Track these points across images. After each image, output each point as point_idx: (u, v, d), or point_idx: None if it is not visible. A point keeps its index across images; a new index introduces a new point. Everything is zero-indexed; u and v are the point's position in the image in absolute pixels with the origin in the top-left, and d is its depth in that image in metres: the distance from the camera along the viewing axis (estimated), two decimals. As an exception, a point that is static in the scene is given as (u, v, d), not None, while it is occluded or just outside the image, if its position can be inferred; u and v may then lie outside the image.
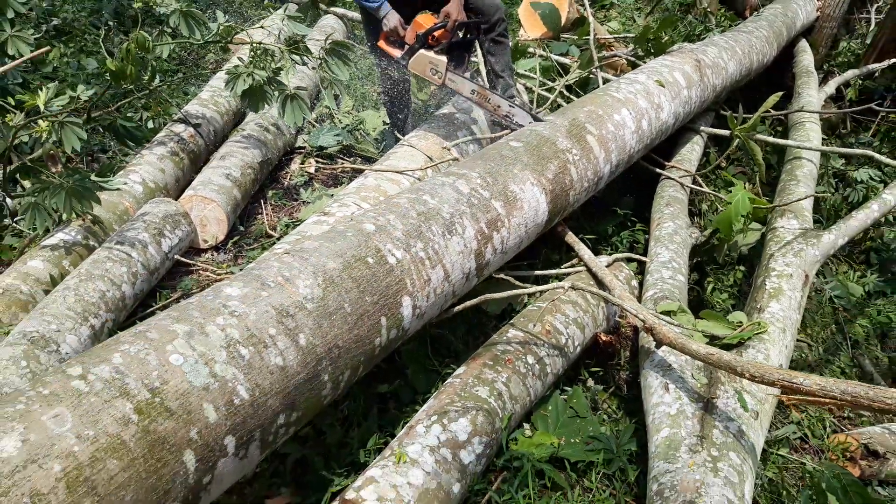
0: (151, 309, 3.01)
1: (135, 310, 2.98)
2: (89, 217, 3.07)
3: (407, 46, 3.37)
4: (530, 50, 4.87)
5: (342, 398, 2.44)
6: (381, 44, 3.47)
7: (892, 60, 5.42)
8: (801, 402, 1.84)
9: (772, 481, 2.57)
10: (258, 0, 6.46)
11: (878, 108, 5.07)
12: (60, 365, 1.51)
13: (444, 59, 3.32)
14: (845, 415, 3.24)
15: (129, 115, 3.77)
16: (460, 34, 3.47)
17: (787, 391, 1.86)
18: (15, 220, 3.31)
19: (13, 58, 3.69)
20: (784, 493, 2.52)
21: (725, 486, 1.93)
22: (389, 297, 2.01)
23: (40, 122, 2.77)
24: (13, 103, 3.22)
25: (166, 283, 3.18)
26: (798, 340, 3.39)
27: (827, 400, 1.75)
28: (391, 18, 3.36)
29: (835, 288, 3.89)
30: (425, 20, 3.34)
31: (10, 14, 3.53)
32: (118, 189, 3.29)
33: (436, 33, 3.31)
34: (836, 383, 1.74)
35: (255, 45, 3.33)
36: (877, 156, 3.77)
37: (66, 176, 2.84)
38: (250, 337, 1.65)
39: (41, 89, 3.22)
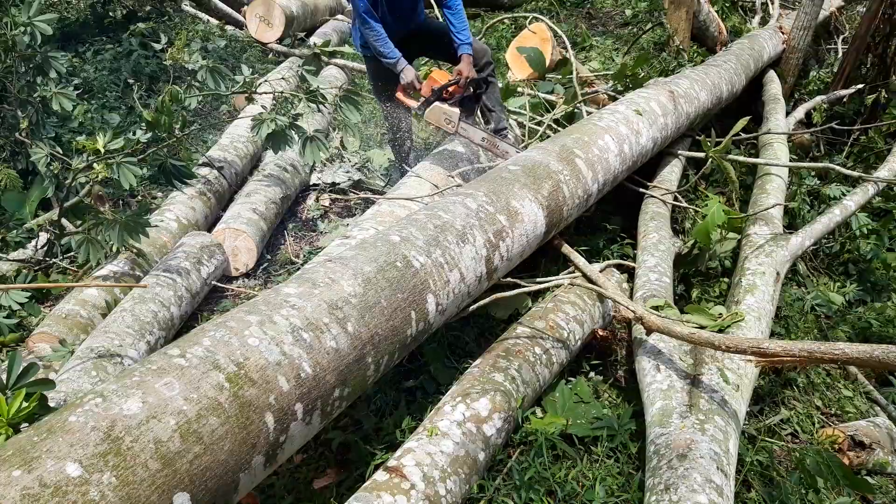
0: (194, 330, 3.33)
1: (179, 331, 3.30)
2: (135, 250, 3.42)
3: (423, 99, 3.75)
4: (519, 90, 5.31)
5: (374, 393, 2.77)
6: (399, 95, 3.86)
7: (857, 87, 5.91)
8: (770, 363, 2.18)
9: (762, 464, 2.85)
10: (262, 55, 6.92)
11: (838, 126, 5.52)
12: (160, 350, 1.85)
13: (457, 110, 3.73)
14: (833, 412, 3.54)
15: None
16: (471, 89, 3.90)
17: (758, 355, 2.21)
18: (58, 258, 3.66)
19: (56, 113, 4.10)
20: (775, 473, 2.79)
21: (712, 442, 2.26)
22: (416, 294, 2.36)
23: (95, 165, 3.14)
24: (61, 152, 3.61)
25: (204, 307, 3.52)
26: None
27: (789, 358, 2.10)
28: (408, 73, 3.72)
29: (816, 297, 4.08)
30: (440, 76, 3.76)
31: (53, 74, 3.95)
32: (156, 226, 3.65)
33: (450, 88, 3.72)
34: (795, 344, 2.10)
35: (276, 94, 3.74)
36: (836, 167, 4.18)
37: (118, 213, 3.21)
38: (309, 324, 2.00)
39: (73, 142, 3.59)
